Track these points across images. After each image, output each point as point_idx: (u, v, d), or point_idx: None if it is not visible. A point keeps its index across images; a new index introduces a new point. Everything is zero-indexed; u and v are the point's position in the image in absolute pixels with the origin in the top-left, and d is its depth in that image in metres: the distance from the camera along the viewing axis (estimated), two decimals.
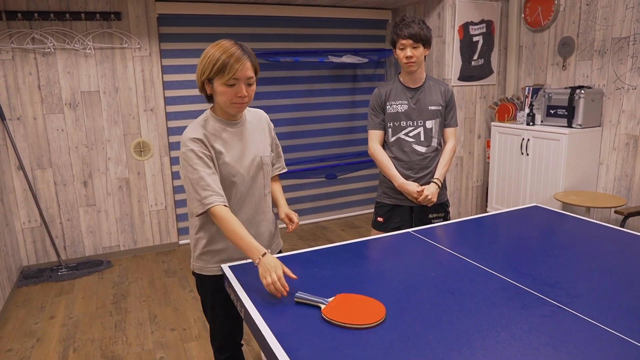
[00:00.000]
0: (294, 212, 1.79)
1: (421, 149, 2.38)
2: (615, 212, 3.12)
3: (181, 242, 4.33)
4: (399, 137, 2.38)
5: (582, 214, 3.32)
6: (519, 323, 1.22)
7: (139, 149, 3.99)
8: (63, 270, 3.71)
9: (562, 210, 2.29)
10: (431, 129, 2.37)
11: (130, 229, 4.08)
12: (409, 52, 2.24)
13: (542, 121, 3.87)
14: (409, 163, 2.38)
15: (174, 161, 4.17)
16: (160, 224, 4.18)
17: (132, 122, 3.93)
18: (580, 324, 1.20)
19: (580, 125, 3.59)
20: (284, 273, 1.40)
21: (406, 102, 2.35)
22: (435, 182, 2.38)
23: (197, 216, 1.59)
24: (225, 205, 1.54)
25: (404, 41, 2.23)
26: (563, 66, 3.96)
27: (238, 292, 1.44)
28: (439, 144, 2.44)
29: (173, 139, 4.15)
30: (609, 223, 2.03)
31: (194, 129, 1.60)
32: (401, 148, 2.39)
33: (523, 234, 1.91)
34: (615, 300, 1.33)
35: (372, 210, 2.62)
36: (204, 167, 1.55)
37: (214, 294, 1.71)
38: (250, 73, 1.53)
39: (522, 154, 3.91)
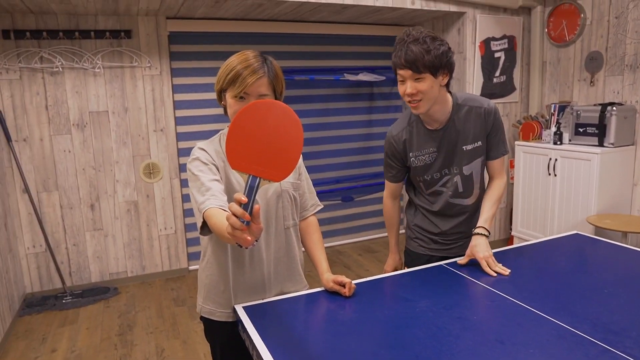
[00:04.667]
0: (341, 276, 1.50)
1: (461, 201, 1.82)
2: None
3: (191, 267, 4.15)
4: (435, 190, 1.83)
5: (618, 239, 3.08)
6: None
7: (149, 170, 3.85)
8: (67, 297, 3.54)
9: (595, 235, 2.08)
10: (470, 174, 1.78)
11: (139, 254, 3.92)
12: (409, 87, 1.57)
13: (570, 140, 3.66)
14: (445, 216, 1.87)
15: (184, 183, 4.02)
16: (170, 248, 4.02)
17: (141, 143, 3.80)
18: None
19: (612, 144, 3.38)
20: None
21: (434, 149, 1.75)
22: (482, 234, 1.71)
23: (200, 234, 1.31)
24: (221, 208, 1.21)
25: (402, 72, 1.57)
26: (591, 82, 3.77)
27: (253, 338, 1.26)
28: (484, 188, 1.87)
29: (183, 160, 4.01)
30: None
31: (205, 143, 1.45)
32: (438, 201, 1.84)
33: (569, 267, 1.71)
34: None
35: None
36: (207, 174, 1.34)
37: (224, 341, 1.51)
38: (265, 90, 1.37)
39: (550, 174, 3.70)
